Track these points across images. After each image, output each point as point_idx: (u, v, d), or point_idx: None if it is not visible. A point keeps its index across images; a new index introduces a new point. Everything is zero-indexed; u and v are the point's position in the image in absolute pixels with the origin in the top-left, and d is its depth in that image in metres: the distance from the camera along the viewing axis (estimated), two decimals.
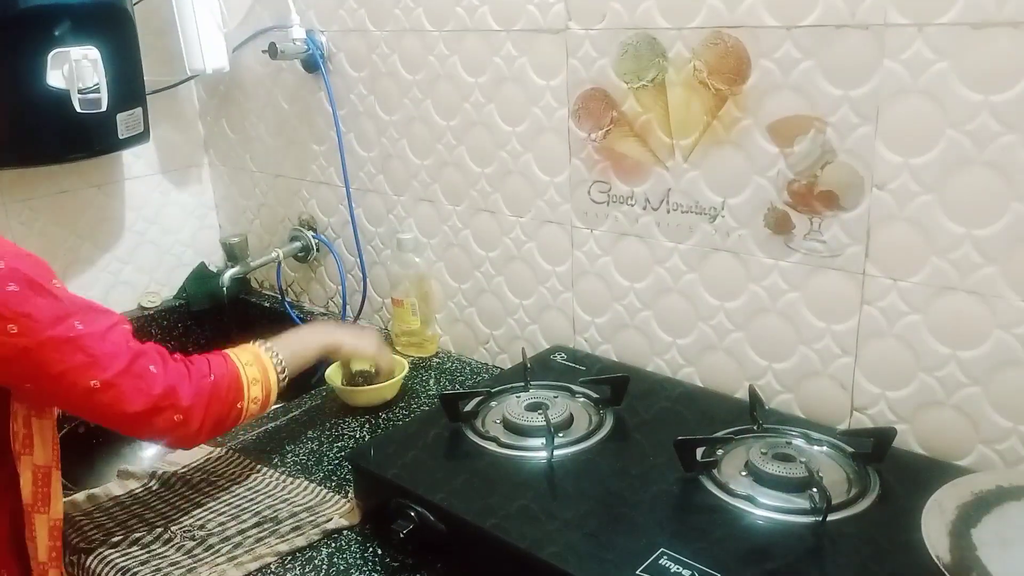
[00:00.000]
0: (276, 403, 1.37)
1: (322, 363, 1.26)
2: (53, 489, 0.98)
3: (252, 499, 1.07)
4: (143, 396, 0.94)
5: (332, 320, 1.28)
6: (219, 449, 1.19)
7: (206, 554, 0.97)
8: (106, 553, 0.99)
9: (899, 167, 0.95)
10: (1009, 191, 0.88)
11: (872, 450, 0.95)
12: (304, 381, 1.34)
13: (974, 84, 0.88)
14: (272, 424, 1.27)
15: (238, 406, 1.03)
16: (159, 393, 0.95)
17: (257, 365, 1.07)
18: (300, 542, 0.98)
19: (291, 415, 1.29)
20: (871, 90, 0.94)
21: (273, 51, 1.45)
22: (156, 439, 1.01)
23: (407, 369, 1.32)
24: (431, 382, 1.39)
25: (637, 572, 0.79)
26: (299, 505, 1.05)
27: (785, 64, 1.00)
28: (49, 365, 0.89)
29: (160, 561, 0.96)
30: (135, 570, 0.95)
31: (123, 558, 0.98)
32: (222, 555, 0.97)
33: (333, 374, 1.31)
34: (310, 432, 1.24)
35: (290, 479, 1.11)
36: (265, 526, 1.01)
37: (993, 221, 0.90)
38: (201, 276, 1.84)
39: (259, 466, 1.15)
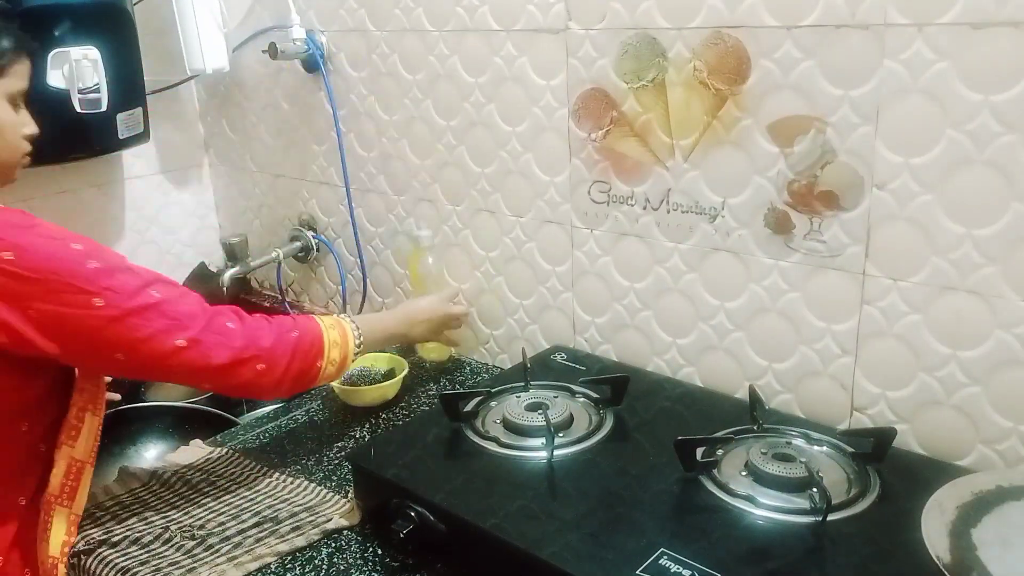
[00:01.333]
0: (276, 403, 1.38)
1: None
2: (82, 484, 1.01)
3: (252, 499, 1.07)
4: (226, 349, 0.99)
5: (421, 301, 1.32)
6: (219, 449, 1.19)
7: (206, 554, 0.97)
8: (106, 553, 0.99)
9: (899, 167, 0.95)
10: (1009, 191, 0.88)
11: (872, 450, 0.95)
12: None
13: (974, 84, 0.88)
14: (272, 424, 1.27)
15: (318, 364, 1.08)
16: (240, 345, 1.00)
17: (338, 329, 1.12)
18: (300, 542, 0.98)
19: (291, 415, 1.29)
20: (871, 90, 0.94)
21: (273, 51, 1.45)
22: (242, 390, 1.04)
23: (407, 369, 1.32)
24: (431, 382, 1.39)
25: (637, 572, 0.79)
26: (299, 505, 1.05)
27: (785, 64, 0.99)
28: (137, 331, 0.94)
29: (160, 561, 0.96)
30: (135, 570, 0.95)
31: (123, 558, 0.98)
32: (222, 555, 0.97)
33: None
34: (310, 432, 1.24)
35: (290, 479, 1.11)
36: (265, 526, 1.01)
37: (993, 221, 0.90)
38: (201, 276, 1.84)
39: (259, 466, 1.15)
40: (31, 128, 1.02)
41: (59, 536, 0.99)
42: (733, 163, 1.07)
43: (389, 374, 1.33)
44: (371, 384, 1.29)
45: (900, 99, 0.93)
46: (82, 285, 0.91)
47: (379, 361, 1.36)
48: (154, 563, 0.96)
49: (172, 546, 0.99)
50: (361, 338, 1.15)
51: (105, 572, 0.97)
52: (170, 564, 0.96)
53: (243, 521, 1.02)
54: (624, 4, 1.11)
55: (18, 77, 1.01)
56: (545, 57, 1.21)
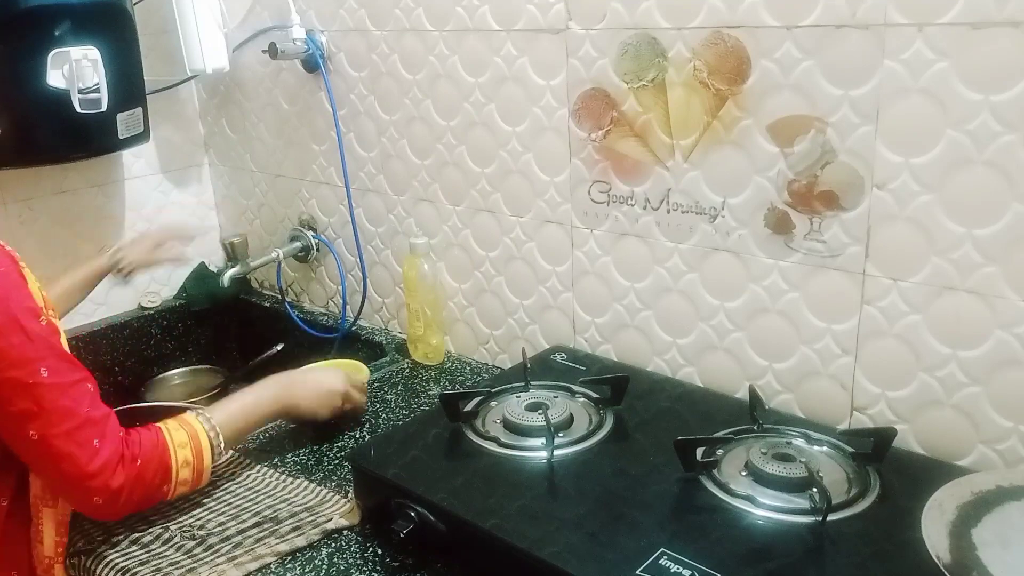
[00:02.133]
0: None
1: None
2: None
3: (252, 499, 1.07)
4: (75, 469, 0.91)
5: (291, 375, 1.19)
6: None
7: (206, 554, 0.97)
8: (106, 553, 0.99)
9: (899, 167, 0.95)
10: (1009, 191, 0.88)
11: (872, 450, 0.95)
12: None
13: (974, 84, 0.88)
14: (272, 424, 1.27)
15: (163, 489, 0.99)
16: (92, 471, 0.92)
17: (192, 446, 1.02)
18: (300, 542, 0.98)
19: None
20: (871, 90, 0.94)
21: (273, 51, 1.45)
22: (72, 504, 0.98)
23: (368, 375, 1.28)
24: (431, 382, 1.39)
25: (637, 572, 0.79)
26: (299, 505, 1.05)
27: (785, 64, 1.00)
28: (2, 403, 0.88)
29: (160, 561, 0.96)
30: (135, 570, 0.95)
31: (123, 558, 0.98)
32: (222, 555, 0.97)
33: None
34: (310, 432, 1.24)
35: (290, 479, 1.11)
36: (265, 526, 1.01)
37: (993, 221, 0.90)
38: (201, 276, 1.84)
39: (259, 466, 1.15)
40: None
41: (51, 537, 0.99)
42: (733, 163, 1.07)
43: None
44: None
45: (900, 99, 0.93)
46: None
47: (343, 368, 1.31)
48: (154, 563, 0.96)
49: (172, 546, 0.99)
50: (222, 443, 1.05)
51: (105, 572, 0.97)
52: (170, 564, 0.96)
53: (243, 521, 1.02)
54: (624, 4, 1.11)
55: None
56: (545, 57, 1.21)
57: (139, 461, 0.96)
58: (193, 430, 1.03)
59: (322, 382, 1.19)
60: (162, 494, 1.00)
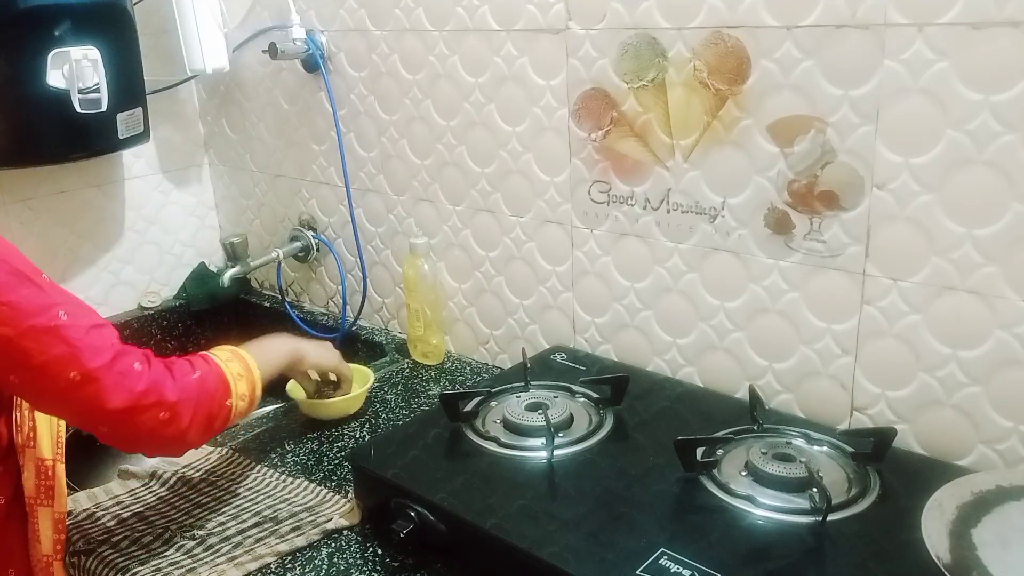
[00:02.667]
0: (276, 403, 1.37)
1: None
2: (57, 483, 0.98)
3: (252, 499, 1.07)
4: (125, 392, 0.89)
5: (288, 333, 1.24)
6: (219, 449, 1.19)
7: (206, 554, 0.97)
8: (106, 553, 0.99)
9: (899, 167, 0.95)
10: (1009, 191, 0.88)
11: (872, 450, 0.95)
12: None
13: (974, 84, 0.88)
14: (272, 424, 1.27)
15: (227, 403, 0.99)
16: (142, 390, 0.90)
17: (238, 361, 1.03)
18: (300, 542, 0.98)
19: (291, 415, 1.29)
20: (871, 90, 0.94)
21: (273, 51, 1.45)
22: (143, 441, 0.94)
23: (372, 380, 1.28)
24: (431, 382, 1.39)
25: (637, 572, 0.79)
26: (299, 505, 1.05)
27: (785, 64, 1.00)
28: (31, 355, 0.86)
29: (160, 561, 0.96)
30: (135, 570, 0.95)
31: (123, 558, 0.98)
32: (222, 555, 0.97)
33: (294, 388, 1.25)
34: (310, 432, 1.24)
35: (290, 479, 1.11)
36: (265, 526, 1.01)
37: (993, 221, 0.90)
38: (201, 276, 1.84)
39: (259, 466, 1.15)
40: None
41: (48, 535, 0.98)
42: (733, 163, 1.07)
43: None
44: (339, 393, 1.25)
45: (900, 99, 0.93)
46: None
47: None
48: (154, 563, 0.96)
49: (172, 546, 0.99)
50: (256, 365, 1.06)
51: (105, 572, 0.97)
52: (170, 564, 0.96)
53: (243, 521, 1.02)
54: (624, 4, 1.11)
55: None
56: (545, 57, 1.21)
57: (197, 373, 0.96)
58: (232, 349, 1.05)
59: (321, 341, 1.26)
60: (227, 410, 0.99)
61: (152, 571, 0.95)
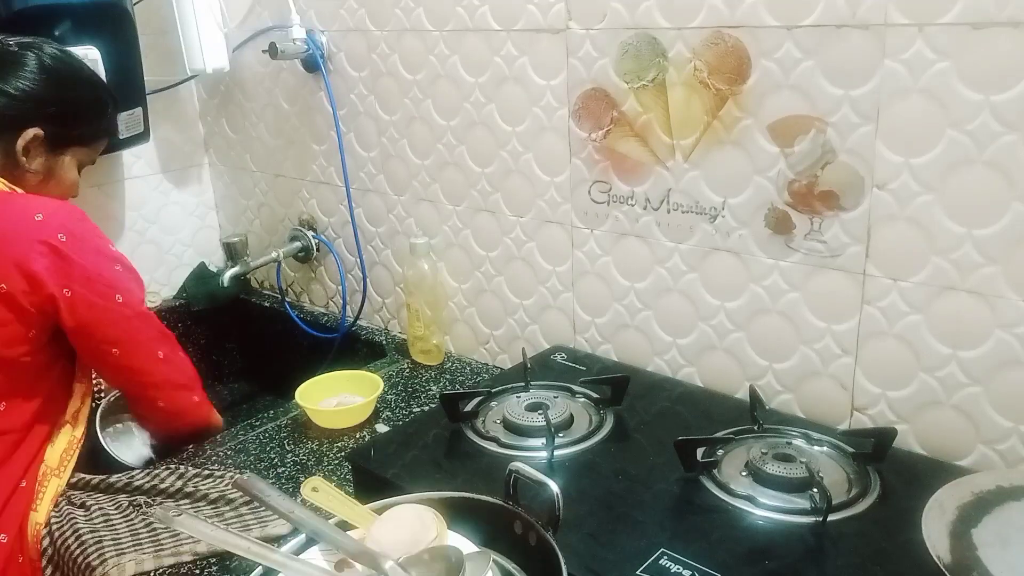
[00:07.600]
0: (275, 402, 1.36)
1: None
2: (72, 458, 1.12)
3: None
4: (186, 373, 1.18)
5: None
6: (219, 449, 1.19)
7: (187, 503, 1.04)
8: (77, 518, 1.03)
9: (899, 167, 0.95)
10: (1009, 191, 0.88)
11: (872, 450, 0.95)
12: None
13: (974, 84, 0.88)
14: (272, 424, 1.27)
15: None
16: (192, 374, 1.20)
17: None
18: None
19: (291, 415, 1.29)
20: (871, 90, 0.94)
21: (273, 51, 1.45)
22: (183, 417, 1.20)
23: (381, 389, 1.27)
24: (431, 382, 1.39)
25: (637, 572, 0.79)
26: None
27: (785, 64, 0.99)
28: (139, 332, 1.12)
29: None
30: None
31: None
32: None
33: (302, 395, 1.25)
34: (310, 432, 1.24)
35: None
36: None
37: (993, 221, 0.90)
38: (201, 276, 1.84)
39: (259, 466, 1.15)
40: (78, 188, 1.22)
41: (46, 508, 1.06)
42: (733, 163, 1.07)
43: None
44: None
45: (900, 99, 0.93)
46: (109, 281, 1.07)
47: (354, 381, 1.31)
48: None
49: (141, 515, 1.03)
50: None
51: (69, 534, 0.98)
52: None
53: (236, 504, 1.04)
54: (624, 4, 1.11)
55: (94, 152, 1.22)
56: (545, 57, 1.21)
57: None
58: None
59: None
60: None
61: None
